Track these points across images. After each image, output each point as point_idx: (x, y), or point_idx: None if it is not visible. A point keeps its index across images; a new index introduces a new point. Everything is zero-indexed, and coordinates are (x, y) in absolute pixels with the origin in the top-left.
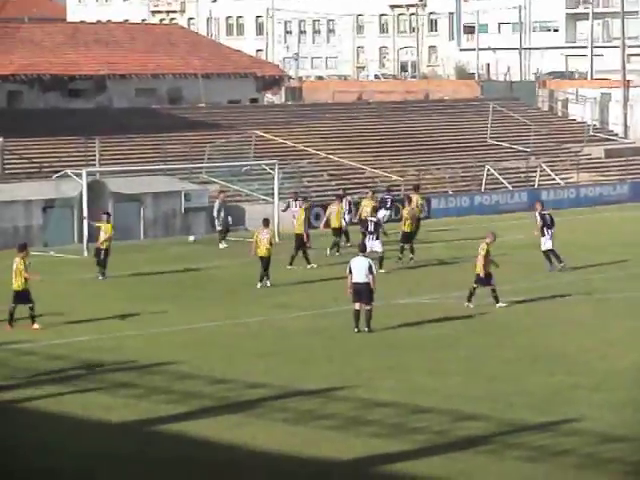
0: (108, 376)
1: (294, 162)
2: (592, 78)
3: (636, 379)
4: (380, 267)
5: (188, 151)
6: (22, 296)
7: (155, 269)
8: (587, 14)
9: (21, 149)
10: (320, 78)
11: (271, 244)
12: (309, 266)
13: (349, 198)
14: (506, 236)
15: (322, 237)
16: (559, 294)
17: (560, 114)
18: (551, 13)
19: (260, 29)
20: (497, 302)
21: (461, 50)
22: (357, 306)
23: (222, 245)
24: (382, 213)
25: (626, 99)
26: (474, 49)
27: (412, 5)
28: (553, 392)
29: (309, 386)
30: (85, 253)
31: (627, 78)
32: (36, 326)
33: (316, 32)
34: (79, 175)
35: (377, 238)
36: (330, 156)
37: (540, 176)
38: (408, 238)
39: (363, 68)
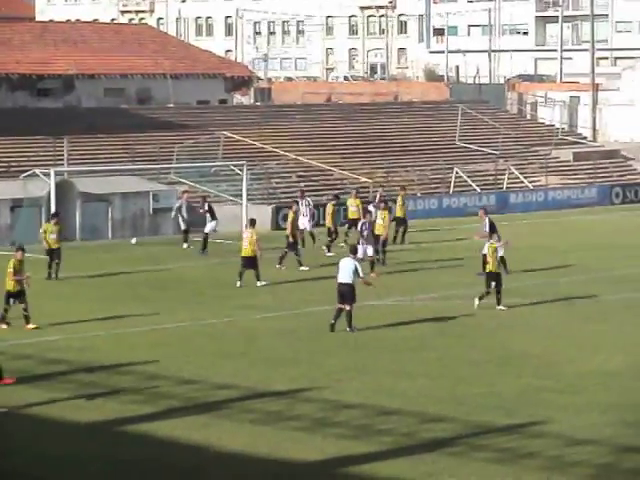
0: (75, 376)
1: (263, 163)
2: (561, 81)
3: (602, 382)
4: (372, 270)
5: (157, 151)
6: (12, 296)
7: (123, 269)
8: (557, 17)
9: None
10: (289, 79)
11: (253, 244)
12: (301, 268)
13: (308, 199)
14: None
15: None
16: (526, 297)
17: (529, 117)
18: (521, 16)
19: (229, 30)
20: (499, 304)
21: (430, 52)
22: (346, 307)
23: (185, 245)
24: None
25: (595, 102)
26: (443, 51)
27: (382, 7)
28: (520, 394)
29: (276, 387)
30: None
31: (596, 81)
32: (30, 326)
33: (285, 33)
34: (47, 175)
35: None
36: (299, 157)
37: (508, 179)
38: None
39: (332, 70)
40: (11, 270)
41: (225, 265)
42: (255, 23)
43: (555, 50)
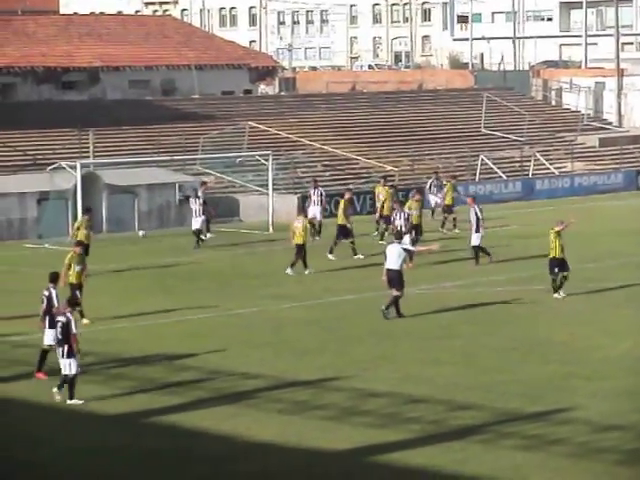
0: (103, 368)
1: (288, 153)
2: (586, 67)
3: (630, 368)
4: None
5: (182, 142)
6: (75, 289)
7: (149, 261)
8: (581, 3)
9: (15, 141)
10: (314, 69)
11: (305, 231)
12: (356, 256)
13: (321, 190)
14: (500, 226)
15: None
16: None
17: (554, 103)
18: (545, 2)
19: (253, 20)
20: (557, 291)
21: (455, 40)
22: (394, 293)
23: (208, 235)
24: (433, 199)
25: (620, 88)
26: (468, 39)
27: None
28: (547, 381)
29: (304, 377)
30: None
31: (621, 67)
32: (85, 321)
33: (309, 23)
34: (73, 167)
35: (407, 233)
36: (324, 147)
37: (534, 165)
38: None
39: (357, 58)
40: (67, 263)
41: (252, 255)
42: (279, 13)
43: (580, 36)
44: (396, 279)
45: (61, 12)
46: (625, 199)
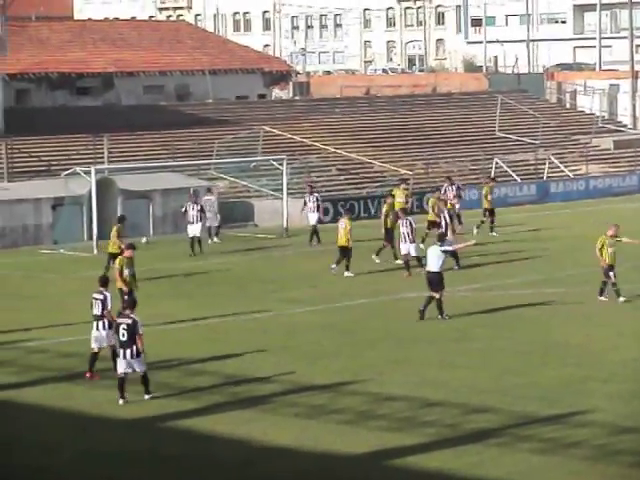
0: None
1: (302, 157)
2: (600, 69)
3: None
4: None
5: (196, 147)
6: (126, 295)
7: (165, 265)
8: (595, 5)
9: (30, 147)
10: (328, 73)
11: (347, 234)
12: (397, 261)
13: (316, 195)
14: (514, 229)
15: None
16: (569, 286)
17: (568, 106)
18: (558, 5)
19: (267, 24)
20: (619, 296)
21: (468, 43)
22: (435, 295)
23: (215, 240)
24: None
25: (635, 90)
26: (481, 42)
27: None
28: (564, 384)
29: (319, 381)
30: (95, 251)
31: (635, 69)
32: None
33: (323, 27)
34: (88, 173)
35: (413, 241)
36: (338, 151)
37: (549, 168)
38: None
39: (371, 62)
40: (119, 268)
41: (267, 259)
42: (293, 17)
43: (594, 38)
44: (436, 281)
45: (75, 18)
46: None
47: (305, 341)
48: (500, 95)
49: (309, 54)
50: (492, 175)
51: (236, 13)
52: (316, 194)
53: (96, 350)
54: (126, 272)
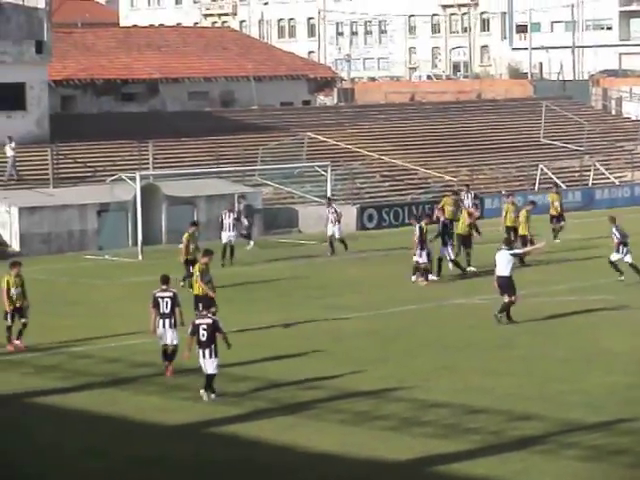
0: (162, 379)
1: (347, 164)
2: None
3: None
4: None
5: (241, 154)
6: (200, 301)
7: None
8: None
9: (75, 153)
10: (372, 79)
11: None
12: (469, 268)
13: (334, 206)
14: (560, 236)
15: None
16: (613, 294)
17: (614, 112)
18: (604, 11)
19: (312, 31)
20: None
21: (513, 49)
22: (505, 299)
23: (251, 243)
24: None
25: None
26: (526, 48)
27: (464, 5)
28: (609, 391)
29: (364, 387)
30: (140, 256)
31: None
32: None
33: (368, 33)
34: (133, 179)
35: (445, 244)
36: (383, 157)
37: (594, 175)
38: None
39: (415, 69)
40: (198, 274)
41: (311, 266)
42: (337, 24)
43: (639, 45)
44: (506, 285)
45: (121, 24)
46: None
47: (350, 347)
48: (545, 102)
49: (354, 60)
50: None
51: (281, 19)
52: (334, 206)
53: (169, 347)
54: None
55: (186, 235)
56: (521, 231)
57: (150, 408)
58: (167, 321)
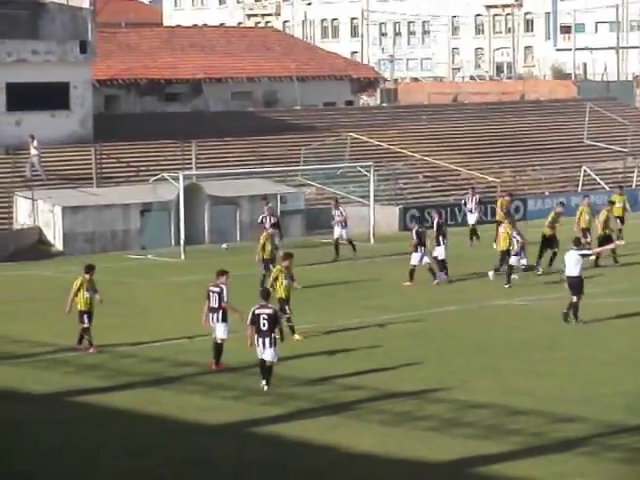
0: (205, 378)
1: (389, 164)
2: None
3: None
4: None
5: (284, 154)
6: (282, 303)
7: (251, 271)
8: None
9: (118, 153)
10: (415, 80)
11: (507, 238)
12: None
13: (341, 209)
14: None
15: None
16: None
17: None
18: None
19: (355, 31)
20: None
21: (557, 50)
22: (574, 299)
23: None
24: (472, 217)
25: None
26: (570, 49)
27: (508, 5)
28: None
29: (405, 388)
30: (182, 256)
31: None
32: (296, 337)
33: (411, 33)
34: (176, 179)
35: (439, 245)
36: (426, 158)
37: (638, 176)
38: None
39: (458, 69)
40: (275, 276)
41: (353, 266)
42: (381, 24)
43: None
44: (576, 285)
45: (164, 24)
46: None
47: (391, 348)
48: (589, 103)
49: (397, 61)
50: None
51: (324, 20)
52: (341, 208)
53: (218, 341)
54: (285, 282)
55: (264, 235)
56: (600, 230)
57: (192, 407)
58: (214, 315)
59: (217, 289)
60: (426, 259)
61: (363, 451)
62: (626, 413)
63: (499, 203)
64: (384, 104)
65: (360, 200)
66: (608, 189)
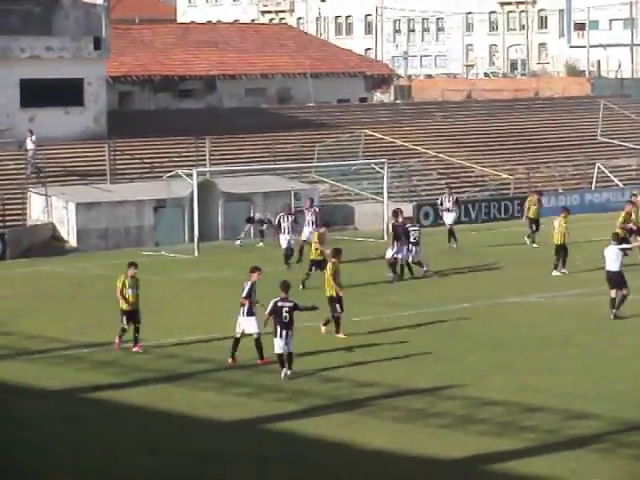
0: (218, 374)
1: (403, 161)
2: None
3: None
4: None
5: (297, 150)
6: (332, 301)
7: (266, 268)
8: None
9: (132, 150)
10: (429, 77)
11: (562, 232)
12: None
13: (315, 208)
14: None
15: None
16: None
17: None
18: None
19: (369, 28)
20: None
21: (571, 47)
22: (612, 294)
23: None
24: (448, 216)
25: None
26: (584, 46)
27: (522, 2)
28: None
29: (418, 385)
30: (196, 253)
31: None
32: (341, 335)
33: (425, 30)
34: (190, 175)
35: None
36: (439, 155)
37: None
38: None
39: (472, 66)
40: (331, 273)
41: (366, 263)
42: (395, 21)
43: None
44: (616, 279)
45: (178, 21)
46: None
47: (404, 345)
48: (603, 100)
49: (411, 58)
50: None
51: (338, 16)
52: (315, 207)
53: (238, 336)
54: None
55: (316, 235)
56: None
57: (205, 404)
58: (242, 309)
59: (247, 285)
60: (403, 254)
61: (377, 448)
62: None
63: (528, 201)
64: (398, 101)
65: (374, 197)
66: (622, 186)
